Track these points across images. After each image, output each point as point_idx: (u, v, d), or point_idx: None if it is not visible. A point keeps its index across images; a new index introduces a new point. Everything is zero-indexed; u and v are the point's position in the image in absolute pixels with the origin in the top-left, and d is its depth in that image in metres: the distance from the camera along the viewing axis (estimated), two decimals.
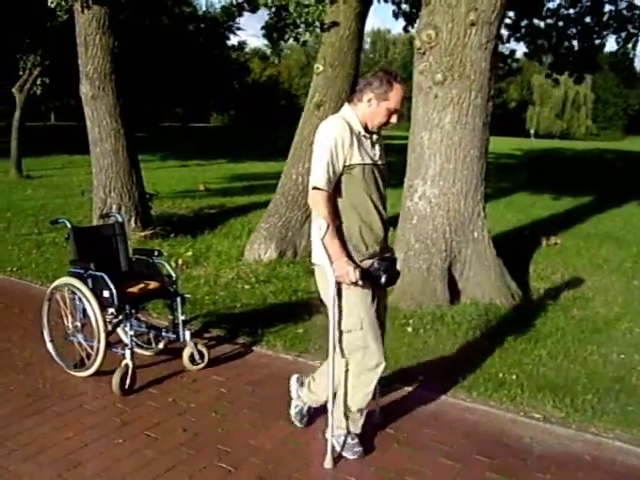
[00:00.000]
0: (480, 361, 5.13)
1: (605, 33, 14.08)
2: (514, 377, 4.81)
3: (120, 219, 5.10)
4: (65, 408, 4.22)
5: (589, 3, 13.50)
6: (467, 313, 6.11)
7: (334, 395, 3.56)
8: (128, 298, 4.53)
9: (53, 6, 9.39)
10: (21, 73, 17.65)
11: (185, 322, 4.87)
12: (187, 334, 4.71)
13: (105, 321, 4.45)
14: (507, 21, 14.39)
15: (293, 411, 4.00)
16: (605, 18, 13.59)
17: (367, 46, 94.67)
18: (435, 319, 6.02)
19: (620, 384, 4.73)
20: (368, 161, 3.40)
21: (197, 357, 4.79)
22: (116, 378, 4.33)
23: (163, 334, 4.88)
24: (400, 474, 3.52)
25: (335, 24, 8.58)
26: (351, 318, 3.41)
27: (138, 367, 4.67)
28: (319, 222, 3.32)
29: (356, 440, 3.67)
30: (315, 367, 4.95)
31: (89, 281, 4.49)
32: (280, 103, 75.65)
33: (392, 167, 3.87)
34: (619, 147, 47.27)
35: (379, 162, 3.51)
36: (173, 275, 4.76)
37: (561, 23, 14.15)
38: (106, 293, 4.40)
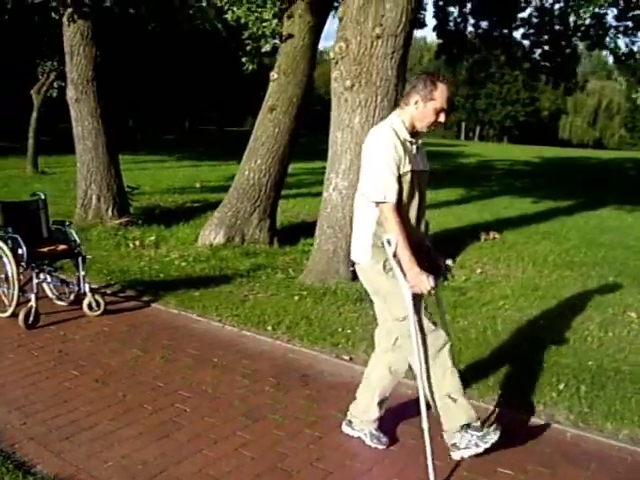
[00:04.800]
0: (328, 319, 6.15)
1: (574, 40, 14.83)
2: (349, 331, 5.79)
3: (42, 196, 6.36)
4: None
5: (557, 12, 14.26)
6: (356, 288, 6.78)
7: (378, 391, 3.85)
8: (37, 256, 5.80)
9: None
10: (40, 77, 19.13)
11: (89, 281, 6.11)
12: (86, 286, 5.95)
13: (19, 273, 5.71)
14: (479, 31, 15.46)
15: (369, 442, 3.86)
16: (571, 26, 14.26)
17: None
18: (328, 292, 6.95)
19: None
20: (416, 168, 3.45)
21: (94, 305, 6.01)
22: (21, 315, 5.58)
23: (70, 287, 6.12)
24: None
25: (290, 36, 9.67)
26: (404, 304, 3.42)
27: (51, 313, 5.98)
28: (389, 236, 3.34)
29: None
30: (192, 319, 6.13)
31: (9, 242, 5.76)
32: (315, 108, 76.50)
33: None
34: None
35: (424, 169, 3.58)
36: (77, 240, 6.03)
37: (532, 30, 15.06)
38: (20, 251, 5.67)
